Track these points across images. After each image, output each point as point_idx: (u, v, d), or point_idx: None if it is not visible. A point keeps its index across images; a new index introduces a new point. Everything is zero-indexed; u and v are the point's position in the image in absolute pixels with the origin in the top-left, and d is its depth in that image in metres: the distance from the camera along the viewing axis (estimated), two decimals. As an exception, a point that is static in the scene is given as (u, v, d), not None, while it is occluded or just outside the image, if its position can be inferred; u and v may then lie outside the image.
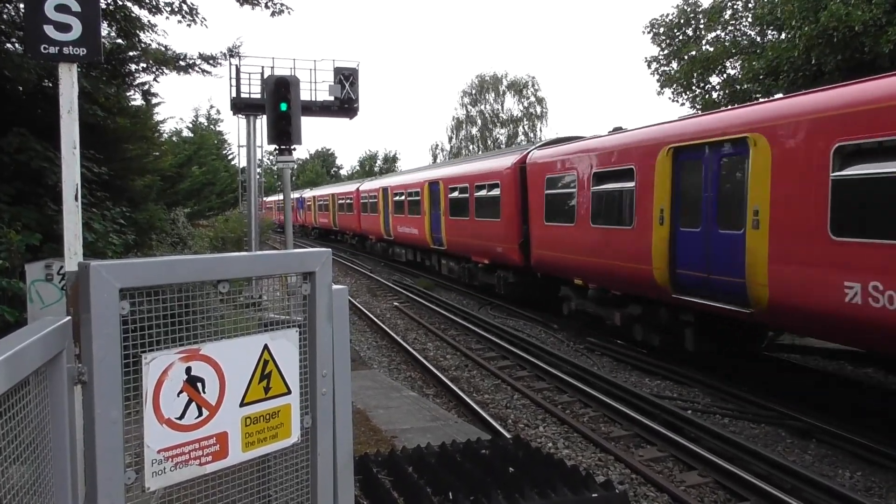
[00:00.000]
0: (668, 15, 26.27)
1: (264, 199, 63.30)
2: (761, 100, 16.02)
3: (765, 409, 9.85)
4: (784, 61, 19.19)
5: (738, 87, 23.02)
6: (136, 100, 16.02)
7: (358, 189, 37.40)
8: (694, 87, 25.23)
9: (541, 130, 63.85)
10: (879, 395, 10.47)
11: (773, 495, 6.99)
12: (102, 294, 2.05)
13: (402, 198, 27.98)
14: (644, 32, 26.83)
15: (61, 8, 4.29)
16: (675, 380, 11.59)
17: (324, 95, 18.93)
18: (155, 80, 13.93)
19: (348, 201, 39.97)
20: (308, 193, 56.75)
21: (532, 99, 64.78)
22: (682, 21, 25.87)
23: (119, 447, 2.09)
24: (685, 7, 25.77)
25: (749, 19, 23.80)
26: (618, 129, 14.61)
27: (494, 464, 5.37)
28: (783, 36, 21.02)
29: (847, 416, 9.19)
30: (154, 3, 12.28)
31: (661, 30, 26.25)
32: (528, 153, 17.37)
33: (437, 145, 73.41)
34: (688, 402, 10.48)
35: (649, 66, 26.88)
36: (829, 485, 7.09)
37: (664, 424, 9.23)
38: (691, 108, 25.54)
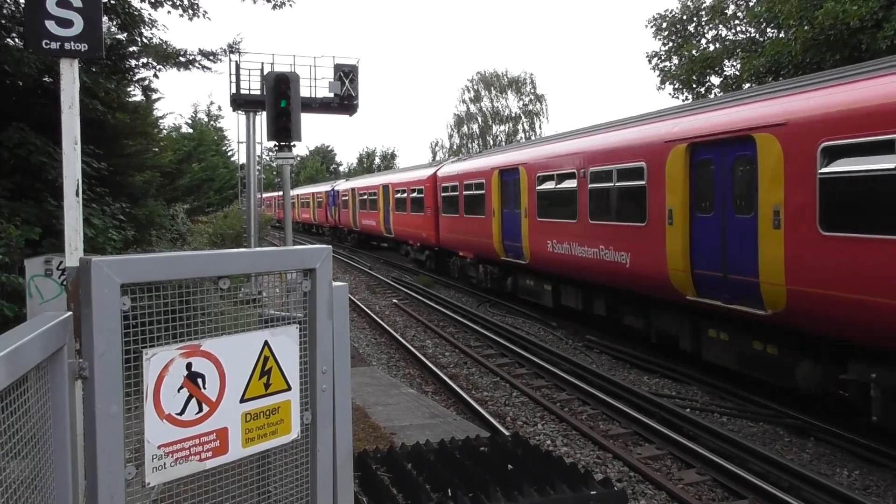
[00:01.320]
0: (671, 11, 26.35)
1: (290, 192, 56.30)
2: None
3: (763, 407, 9.86)
4: (785, 57, 19.20)
5: (739, 86, 23.02)
6: (136, 95, 16.03)
7: (435, 175, 23.85)
8: (693, 86, 25.27)
9: (540, 127, 63.96)
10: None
11: (771, 493, 7.01)
12: (103, 290, 2.05)
13: (572, 185, 14.04)
14: (647, 26, 26.89)
15: (63, 3, 4.28)
16: (673, 378, 11.60)
17: (323, 92, 18.91)
18: (155, 75, 13.93)
19: (415, 195, 25.57)
20: (343, 185, 42.01)
21: (531, 96, 64.83)
22: (684, 18, 25.91)
23: (119, 442, 2.09)
24: (688, 3, 25.81)
25: (746, 18, 23.82)
26: None
27: (493, 461, 5.38)
28: (782, 34, 21.04)
29: (845, 414, 9.20)
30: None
31: (664, 24, 26.29)
32: None
33: (436, 142, 73.47)
34: (686, 400, 10.49)
35: (650, 62, 26.94)
36: (827, 483, 7.10)
37: (662, 422, 9.24)
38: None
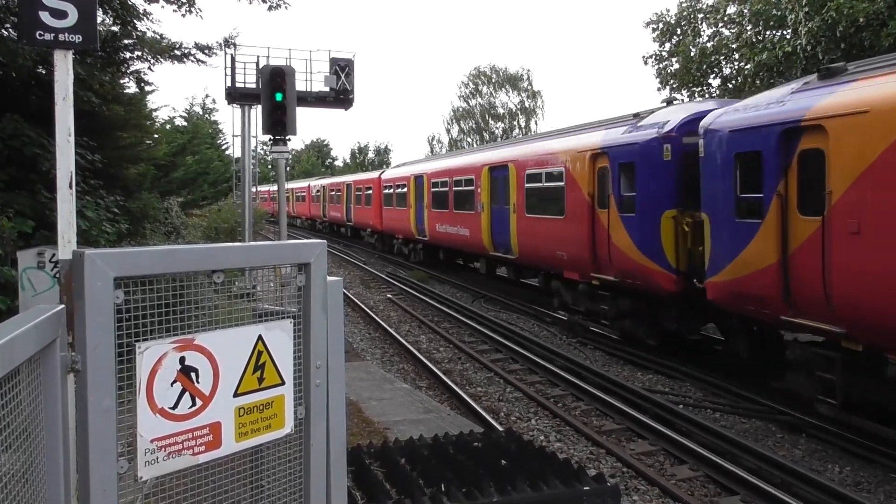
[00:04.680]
0: (669, 11, 26.41)
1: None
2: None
3: (756, 403, 9.90)
4: (796, 56, 19.20)
5: (735, 85, 23.03)
6: (131, 87, 15.96)
7: None
8: (691, 86, 25.29)
9: (536, 124, 63.96)
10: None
11: (762, 489, 7.04)
12: (97, 282, 2.04)
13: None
14: (645, 26, 26.88)
15: (56, -6, 4.25)
16: (666, 374, 11.62)
17: (319, 86, 18.91)
18: (150, 68, 13.88)
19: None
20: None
21: (527, 93, 64.81)
22: (681, 20, 25.91)
23: (112, 436, 2.09)
24: (686, 4, 25.82)
25: (748, 17, 23.78)
26: None
27: (487, 456, 5.39)
28: (781, 34, 21.03)
29: (838, 411, 9.23)
30: (150, -10, 12.20)
31: (661, 25, 26.30)
32: None
33: (433, 136, 73.43)
34: (679, 396, 10.52)
35: (646, 63, 26.97)
36: (818, 479, 7.13)
37: (656, 418, 9.27)
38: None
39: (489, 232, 19.14)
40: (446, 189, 22.66)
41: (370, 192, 34.70)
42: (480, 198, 19.60)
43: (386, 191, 31.14)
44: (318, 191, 49.97)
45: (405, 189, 27.50)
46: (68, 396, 2.05)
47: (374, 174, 36.45)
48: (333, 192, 44.48)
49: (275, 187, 54.08)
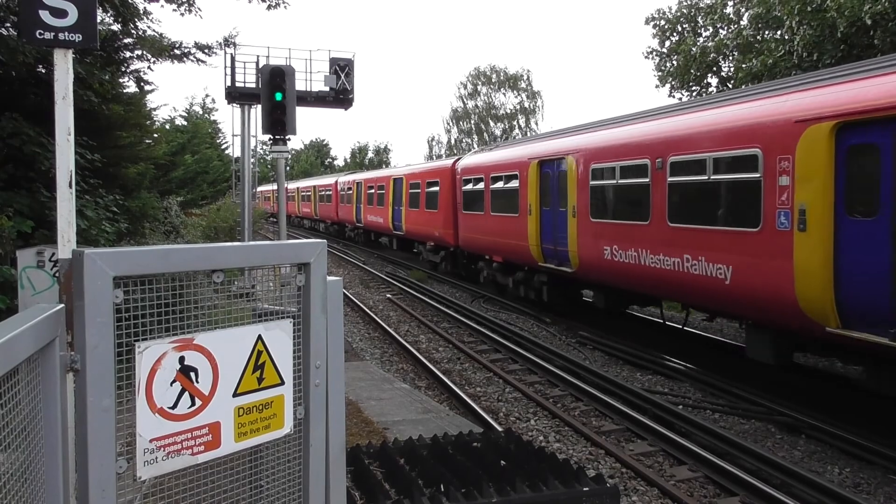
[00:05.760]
0: (670, 8, 26.42)
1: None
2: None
3: (755, 404, 9.90)
4: (780, 62, 19.21)
5: (734, 85, 23.04)
6: (130, 87, 15.99)
7: None
8: (690, 85, 25.30)
9: (536, 124, 64.00)
10: (868, 391, 10.52)
11: (762, 490, 7.03)
12: (96, 282, 2.04)
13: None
14: (646, 22, 26.88)
15: (57, -7, 4.25)
16: (665, 375, 11.63)
17: (319, 86, 18.89)
18: (149, 67, 13.94)
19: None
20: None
21: (527, 93, 64.86)
22: (680, 17, 25.93)
23: (111, 436, 2.08)
24: (687, 2, 25.85)
25: (745, 20, 23.80)
26: None
27: (486, 457, 5.39)
28: (778, 35, 21.04)
29: (836, 412, 9.24)
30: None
31: (662, 23, 26.32)
32: None
33: (433, 137, 73.49)
34: (678, 396, 10.52)
35: (647, 58, 27.02)
36: (817, 480, 7.13)
37: (655, 419, 9.27)
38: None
39: (828, 275, 8.15)
40: (644, 180, 11.95)
41: (435, 188, 24.06)
42: (790, 197, 8.71)
43: (467, 186, 21.08)
44: (347, 188, 37.29)
45: (514, 183, 17.66)
46: (67, 396, 2.05)
47: (442, 163, 25.45)
48: (372, 190, 32.51)
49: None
